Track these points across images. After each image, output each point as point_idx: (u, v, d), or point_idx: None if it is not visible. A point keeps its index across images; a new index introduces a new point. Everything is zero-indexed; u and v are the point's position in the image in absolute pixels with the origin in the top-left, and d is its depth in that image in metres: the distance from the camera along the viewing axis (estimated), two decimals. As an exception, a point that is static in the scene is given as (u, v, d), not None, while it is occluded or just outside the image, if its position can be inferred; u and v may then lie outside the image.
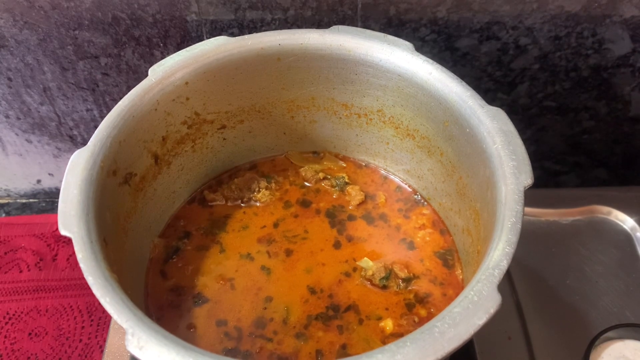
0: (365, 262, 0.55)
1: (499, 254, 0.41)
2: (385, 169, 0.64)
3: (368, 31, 0.56)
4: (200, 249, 0.57)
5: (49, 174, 0.83)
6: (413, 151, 0.60)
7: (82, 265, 0.42)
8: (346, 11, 0.63)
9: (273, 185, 0.62)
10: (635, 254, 0.67)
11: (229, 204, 0.61)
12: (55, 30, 0.65)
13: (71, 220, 0.44)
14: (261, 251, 0.57)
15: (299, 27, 0.64)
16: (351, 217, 0.60)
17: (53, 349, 0.68)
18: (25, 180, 0.84)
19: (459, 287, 0.54)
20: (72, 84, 0.70)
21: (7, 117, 0.74)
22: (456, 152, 0.54)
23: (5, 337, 0.69)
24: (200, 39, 0.65)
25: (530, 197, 0.46)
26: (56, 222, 0.45)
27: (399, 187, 0.63)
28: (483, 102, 0.50)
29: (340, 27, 0.56)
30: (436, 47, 0.66)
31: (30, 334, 0.69)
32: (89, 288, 0.41)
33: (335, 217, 0.60)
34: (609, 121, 0.74)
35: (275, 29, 0.64)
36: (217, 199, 0.62)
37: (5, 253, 0.76)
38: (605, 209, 0.70)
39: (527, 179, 0.45)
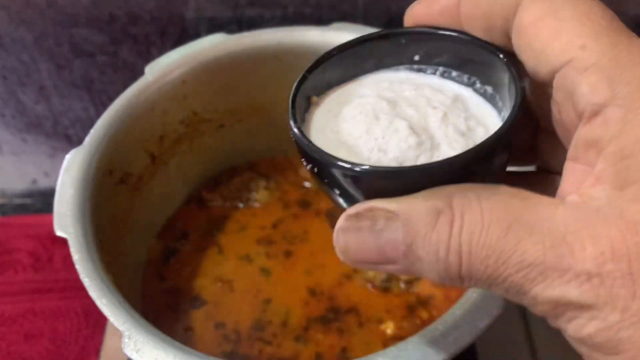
0: (366, 264, 0.55)
1: (504, 255, 0.40)
2: (385, 169, 0.64)
3: (369, 28, 0.55)
4: (198, 250, 0.57)
5: (45, 174, 0.83)
6: (414, 151, 0.59)
7: (78, 266, 0.41)
8: (347, 8, 0.63)
9: (272, 185, 0.62)
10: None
11: (228, 204, 0.61)
12: (51, 28, 0.64)
13: (67, 220, 0.43)
14: (260, 252, 0.56)
15: (299, 24, 0.64)
16: (351, 218, 0.59)
17: (49, 351, 0.67)
18: (20, 180, 0.83)
19: (462, 289, 0.54)
20: (68, 82, 0.70)
21: (2, 116, 0.74)
22: (458, 152, 0.53)
23: (1, 339, 0.68)
24: (198, 36, 0.64)
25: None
26: (52, 223, 0.45)
27: (399, 187, 0.62)
28: (486, 101, 0.49)
29: (341, 24, 0.56)
30: (438, 46, 0.66)
31: (25, 336, 0.69)
32: (85, 290, 0.40)
33: (336, 218, 0.59)
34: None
35: (275, 26, 0.63)
36: (215, 200, 0.61)
37: (0, 254, 0.76)
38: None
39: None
